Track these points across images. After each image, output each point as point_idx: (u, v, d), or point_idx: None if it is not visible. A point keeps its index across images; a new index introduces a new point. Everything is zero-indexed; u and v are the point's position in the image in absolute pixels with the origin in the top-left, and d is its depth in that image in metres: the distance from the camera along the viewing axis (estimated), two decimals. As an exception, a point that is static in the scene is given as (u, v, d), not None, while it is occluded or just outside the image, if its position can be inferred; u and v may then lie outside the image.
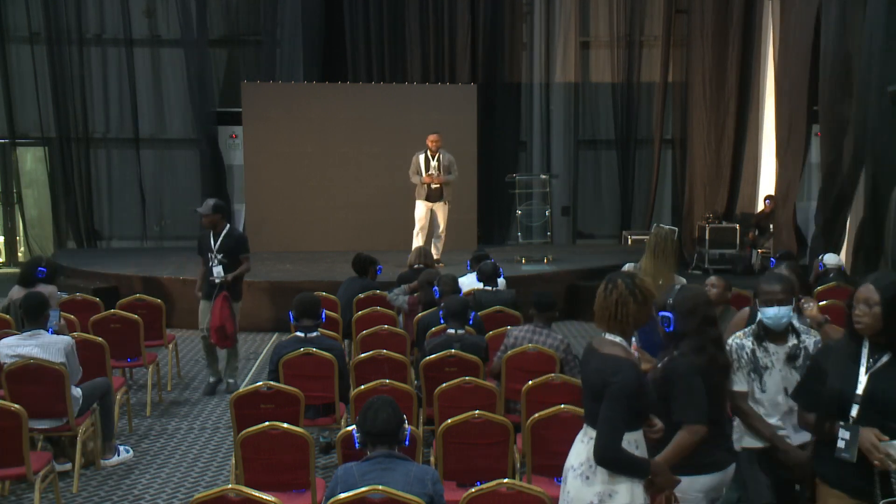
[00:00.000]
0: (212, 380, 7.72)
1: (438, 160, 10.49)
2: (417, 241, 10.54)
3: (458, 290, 6.71)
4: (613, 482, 3.20)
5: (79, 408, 5.53)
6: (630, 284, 3.32)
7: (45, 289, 6.95)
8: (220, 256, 7.31)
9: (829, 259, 8.23)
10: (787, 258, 8.63)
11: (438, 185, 10.53)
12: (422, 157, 10.54)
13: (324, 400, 5.62)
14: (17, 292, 6.80)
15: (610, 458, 3.19)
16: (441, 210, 10.71)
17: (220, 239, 7.33)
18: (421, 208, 10.70)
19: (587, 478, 3.27)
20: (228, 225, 7.49)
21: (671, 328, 3.62)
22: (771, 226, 12.98)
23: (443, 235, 10.88)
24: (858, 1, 9.91)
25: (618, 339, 3.31)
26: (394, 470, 3.47)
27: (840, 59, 10.29)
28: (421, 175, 10.52)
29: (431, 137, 10.47)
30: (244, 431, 4.28)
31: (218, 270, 7.28)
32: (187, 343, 9.33)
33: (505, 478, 3.59)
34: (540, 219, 12.71)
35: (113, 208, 14.40)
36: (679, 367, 3.53)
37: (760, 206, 13.44)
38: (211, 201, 7.49)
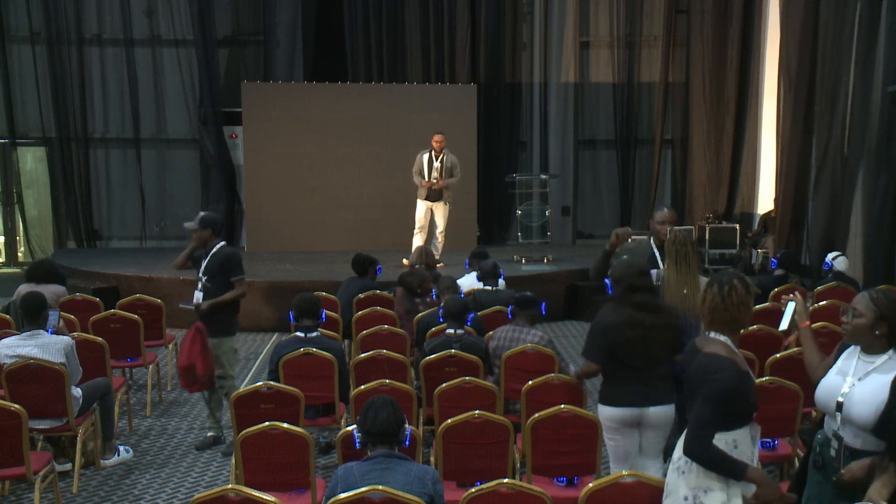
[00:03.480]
0: (210, 434, 6.39)
1: (442, 161, 10.48)
2: (417, 241, 10.56)
3: (458, 290, 6.71)
4: (708, 479, 3.19)
5: (79, 408, 5.53)
6: (746, 285, 3.38)
7: (55, 289, 6.93)
8: (203, 279, 6.14)
9: (838, 263, 8.17)
10: (788, 259, 8.67)
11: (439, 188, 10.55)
12: (425, 157, 10.53)
13: (324, 400, 5.62)
14: (27, 288, 6.67)
15: (697, 455, 3.20)
16: (440, 210, 10.70)
17: (207, 258, 6.16)
18: (421, 208, 10.72)
19: (683, 472, 3.28)
20: (222, 242, 6.26)
21: (609, 292, 4.59)
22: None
23: (440, 236, 10.87)
24: (859, 1, 9.91)
25: (723, 338, 3.31)
26: (394, 470, 3.47)
27: (841, 59, 10.30)
28: (423, 176, 10.52)
29: (437, 137, 10.45)
30: (244, 431, 4.29)
31: (197, 296, 6.12)
32: (187, 343, 9.30)
33: (505, 478, 3.59)
34: (540, 219, 12.71)
35: (113, 208, 14.38)
36: (595, 319, 4.53)
37: (768, 206, 13.35)
38: (201, 213, 6.32)
